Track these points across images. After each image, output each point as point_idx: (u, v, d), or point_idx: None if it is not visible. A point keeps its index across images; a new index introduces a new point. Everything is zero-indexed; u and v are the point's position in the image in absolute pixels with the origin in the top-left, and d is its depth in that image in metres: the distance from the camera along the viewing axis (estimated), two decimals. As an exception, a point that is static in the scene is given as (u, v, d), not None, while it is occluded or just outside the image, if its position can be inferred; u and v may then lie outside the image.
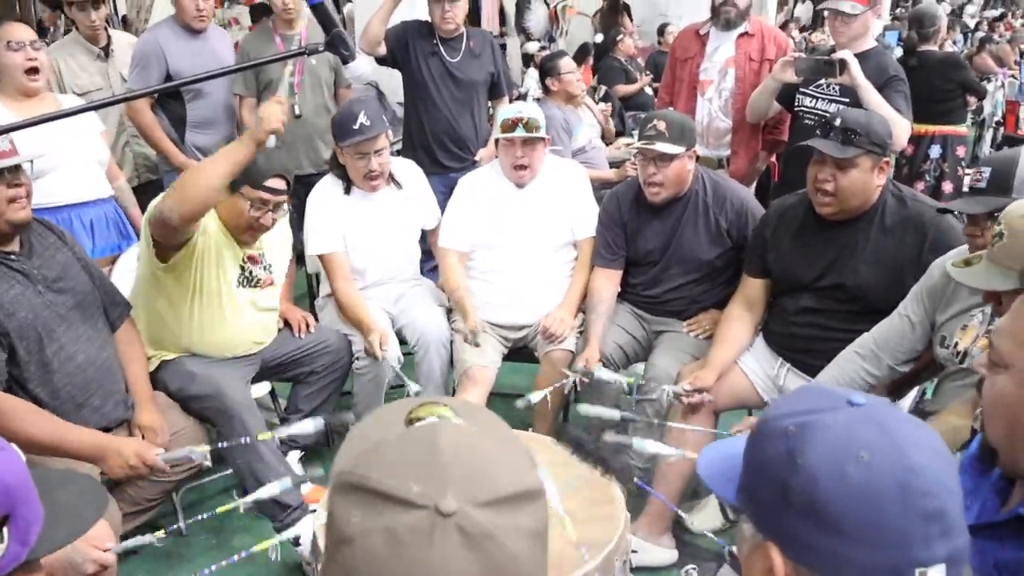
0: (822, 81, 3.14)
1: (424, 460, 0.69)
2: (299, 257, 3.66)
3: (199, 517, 1.89)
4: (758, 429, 0.87)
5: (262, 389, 2.88)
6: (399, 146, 3.79)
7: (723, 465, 0.92)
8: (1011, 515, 1.11)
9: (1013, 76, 7.82)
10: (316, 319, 3.00)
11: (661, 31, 7.78)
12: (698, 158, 2.84)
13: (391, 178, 2.98)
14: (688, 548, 2.57)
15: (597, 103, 5.58)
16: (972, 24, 13.02)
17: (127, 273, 2.78)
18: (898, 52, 5.54)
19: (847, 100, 3.05)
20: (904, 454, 0.78)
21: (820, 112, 3.13)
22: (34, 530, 1.05)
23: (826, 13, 3.28)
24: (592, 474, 1.92)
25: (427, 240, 3.15)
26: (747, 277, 2.62)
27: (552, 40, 8.17)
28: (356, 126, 2.78)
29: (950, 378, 2.07)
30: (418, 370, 2.92)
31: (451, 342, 2.91)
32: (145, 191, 3.60)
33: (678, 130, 2.61)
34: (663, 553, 2.51)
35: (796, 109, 3.26)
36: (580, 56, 6.39)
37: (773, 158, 3.63)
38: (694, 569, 2.40)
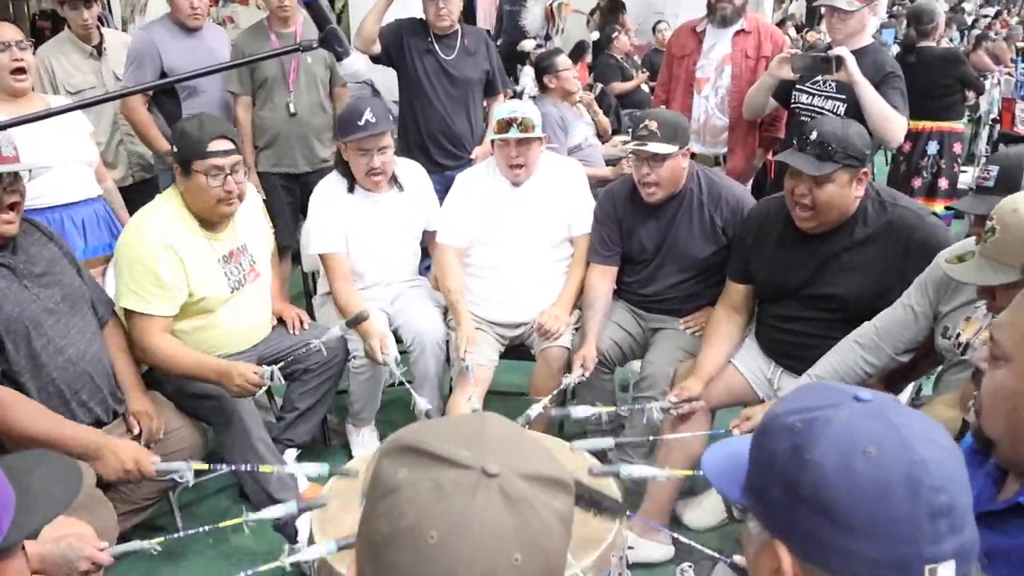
0: (819, 78, 3.13)
1: (474, 434, 0.76)
2: (295, 256, 3.68)
3: (201, 529, 1.87)
4: (764, 426, 0.86)
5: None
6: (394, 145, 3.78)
7: (728, 464, 0.92)
8: (1009, 504, 1.12)
9: (1009, 74, 7.82)
10: (313, 317, 3.00)
11: (655, 28, 7.79)
12: (694, 155, 2.84)
13: (394, 180, 2.97)
14: (684, 544, 2.56)
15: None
16: (970, 21, 13.04)
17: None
18: (894, 49, 5.55)
19: (843, 97, 3.05)
20: (912, 448, 0.77)
21: (817, 109, 3.13)
22: (5, 518, 1.04)
23: (823, 9, 3.27)
24: (588, 470, 1.93)
25: (424, 239, 3.13)
26: (731, 282, 2.61)
27: (548, 38, 8.15)
28: (361, 122, 2.77)
29: (950, 370, 2.07)
30: (414, 369, 2.91)
31: (447, 341, 2.90)
32: (139, 190, 3.60)
33: (671, 129, 2.60)
34: (659, 549, 2.51)
35: (793, 106, 3.26)
36: (576, 54, 6.39)
37: (770, 155, 3.63)
38: (690, 566, 2.40)
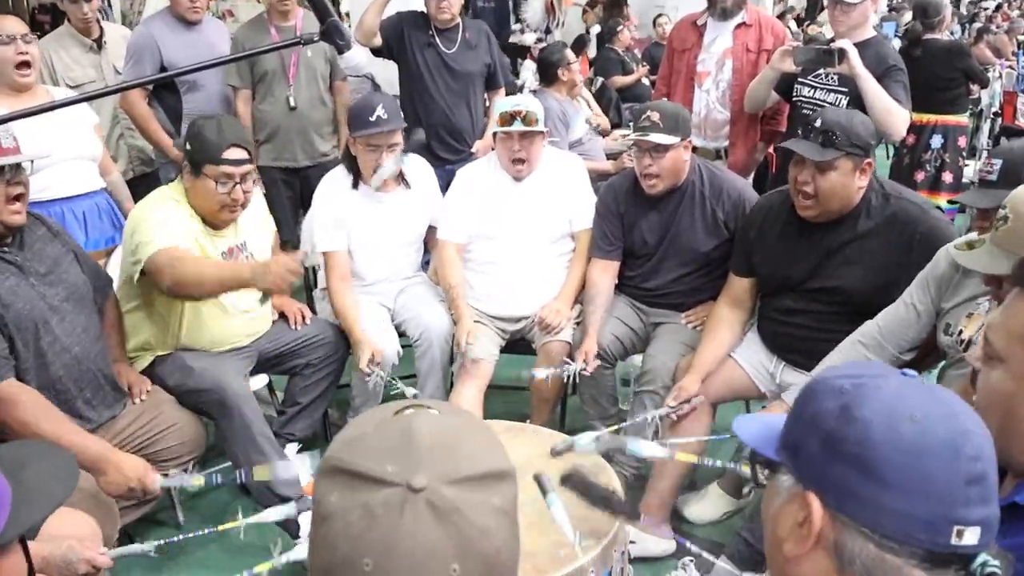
0: (821, 71, 3.12)
1: (400, 444, 0.75)
2: (295, 250, 3.67)
3: (199, 532, 1.87)
4: (810, 387, 0.89)
5: (259, 382, 2.88)
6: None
7: (761, 430, 0.95)
8: (1005, 503, 1.11)
9: (1011, 67, 7.81)
10: (314, 311, 2.99)
11: (655, 22, 7.77)
12: (695, 149, 2.83)
13: (401, 177, 2.95)
14: (685, 539, 2.56)
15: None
16: (967, 13, 13.01)
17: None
18: (895, 43, 5.53)
19: (846, 90, 3.04)
20: (957, 418, 0.81)
21: (819, 102, 3.11)
22: (1, 514, 1.03)
23: (825, 2, 3.26)
24: (592, 466, 1.92)
25: (426, 234, 3.12)
26: (733, 276, 2.61)
27: (548, 32, 8.14)
28: (372, 118, 2.75)
29: (953, 367, 2.06)
30: (419, 364, 2.90)
31: (453, 336, 2.90)
32: (140, 184, 3.59)
33: (672, 120, 2.60)
34: (661, 544, 2.51)
35: (794, 99, 3.25)
36: (577, 47, 6.38)
37: (771, 149, 3.62)
38: (691, 560, 2.40)
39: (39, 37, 3.17)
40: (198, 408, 2.48)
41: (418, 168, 3.04)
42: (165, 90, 3.55)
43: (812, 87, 3.17)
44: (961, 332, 1.97)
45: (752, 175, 3.65)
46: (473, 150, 3.75)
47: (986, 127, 7.09)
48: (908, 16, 8.26)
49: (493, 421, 2.11)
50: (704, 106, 3.50)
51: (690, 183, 2.73)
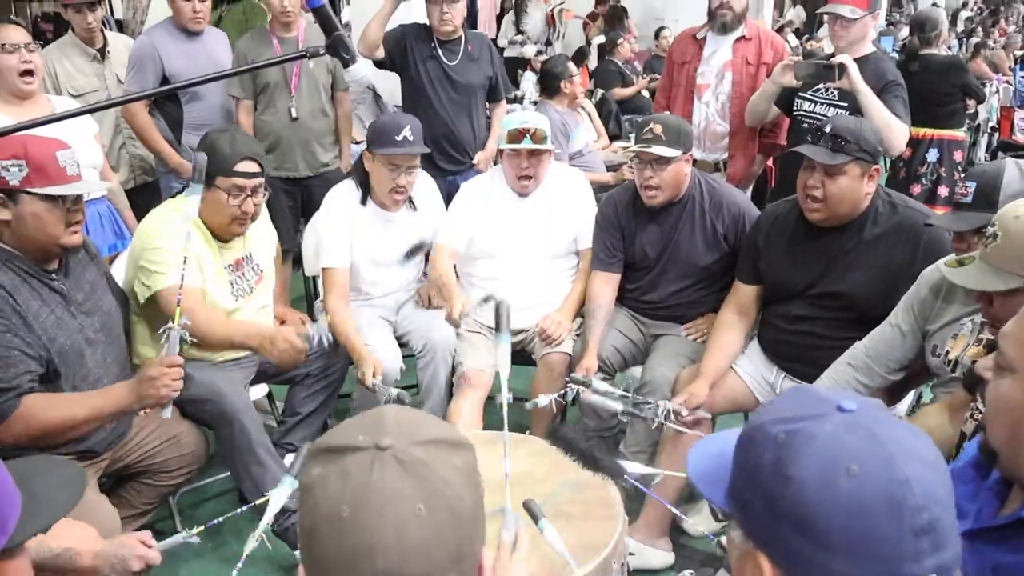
0: (821, 85, 3.14)
1: (369, 422, 0.86)
2: (296, 259, 3.68)
3: (215, 521, 1.86)
4: (749, 435, 0.86)
5: (259, 391, 2.88)
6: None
7: (712, 464, 0.91)
8: (1012, 518, 1.11)
9: (1007, 82, 7.85)
10: (314, 321, 2.99)
11: (657, 35, 7.82)
12: (694, 162, 2.84)
13: (409, 199, 2.93)
14: (685, 551, 2.57)
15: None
16: (962, 27, 13.08)
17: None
18: (894, 57, 5.56)
19: (845, 105, 3.06)
20: (895, 465, 0.76)
21: (819, 116, 3.13)
22: (12, 518, 1.05)
23: (826, 17, 3.29)
24: (590, 477, 1.92)
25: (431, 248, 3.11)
26: (739, 283, 2.62)
27: (548, 44, 8.18)
28: (399, 138, 2.73)
29: (943, 387, 2.07)
30: (422, 376, 2.90)
31: (456, 348, 2.90)
32: (141, 193, 3.61)
33: (675, 133, 2.62)
34: (660, 556, 2.51)
35: (795, 113, 3.27)
36: (577, 59, 6.42)
37: (770, 162, 3.64)
38: (691, 573, 2.40)
39: (42, 46, 3.19)
40: (198, 418, 2.47)
41: (424, 185, 3.02)
42: (166, 100, 3.56)
43: (812, 101, 3.19)
44: (948, 353, 1.98)
45: (751, 187, 3.67)
46: (475, 161, 3.76)
47: (984, 142, 7.13)
48: (906, 31, 8.31)
49: (492, 432, 2.12)
50: (703, 118, 3.52)
51: (690, 197, 2.74)
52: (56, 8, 5.21)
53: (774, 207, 2.61)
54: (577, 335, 2.85)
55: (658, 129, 2.61)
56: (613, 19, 7.67)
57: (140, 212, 3.24)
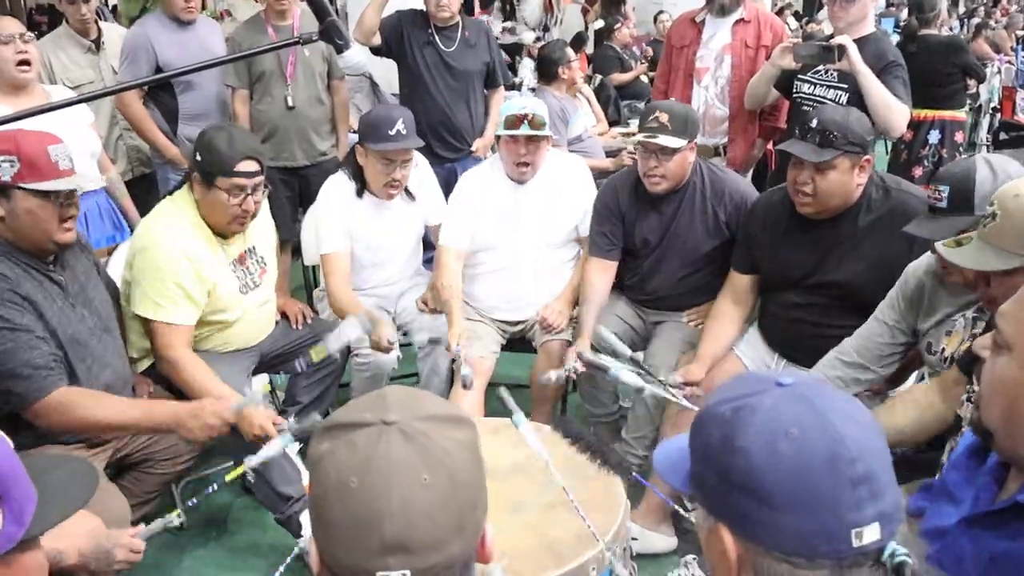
0: (821, 67, 3.12)
1: (375, 401, 0.91)
2: (295, 249, 3.67)
3: (192, 501, 1.84)
4: (699, 418, 0.92)
5: (260, 381, 2.87)
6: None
7: (674, 457, 0.97)
8: (1008, 503, 1.11)
9: (1009, 62, 7.80)
10: (314, 311, 2.99)
11: (656, 19, 7.78)
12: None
13: (405, 189, 2.91)
14: (687, 536, 2.57)
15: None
16: (963, 8, 13.01)
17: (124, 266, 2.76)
18: (895, 38, 5.53)
19: (845, 86, 3.04)
20: (830, 425, 0.83)
21: (819, 98, 3.11)
22: (28, 511, 1.08)
23: (825, -2, 3.26)
24: (592, 463, 1.92)
25: (428, 232, 3.10)
26: (735, 272, 2.60)
27: (547, 29, 8.14)
28: (392, 132, 2.70)
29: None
30: (421, 366, 2.90)
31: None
32: (139, 184, 3.60)
33: (681, 122, 2.56)
34: (663, 541, 2.51)
35: (794, 95, 3.24)
36: (576, 45, 6.39)
37: (770, 145, 3.62)
38: (694, 558, 2.40)
39: (37, 37, 3.18)
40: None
41: (420, 173, 2.99)
42: (161, 90, 3.54)
43: (812, 83, 3.17)
44: (943, 350, 1.97)
45: (751, 171, 3.65)
46: (473, 148, 3.74)
47: (985, 122, 7.10)
48: (906, 12, 8.26)
49: (494, 419, 2.12)
50: (703, 102, 3.50)
51: (692, 184, 2.70)
52: (50, 0, 5.21)
53: (768, 196, 2.59)
54: (577, 322, 2.84)
55: (664, 118, 2.55)
56: (610, 4, 7.63)
57: (138, 204, 3.24)
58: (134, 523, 2.23)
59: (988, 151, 6.67)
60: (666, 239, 2.74)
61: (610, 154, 4.58)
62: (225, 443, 2.44)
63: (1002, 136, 6.48)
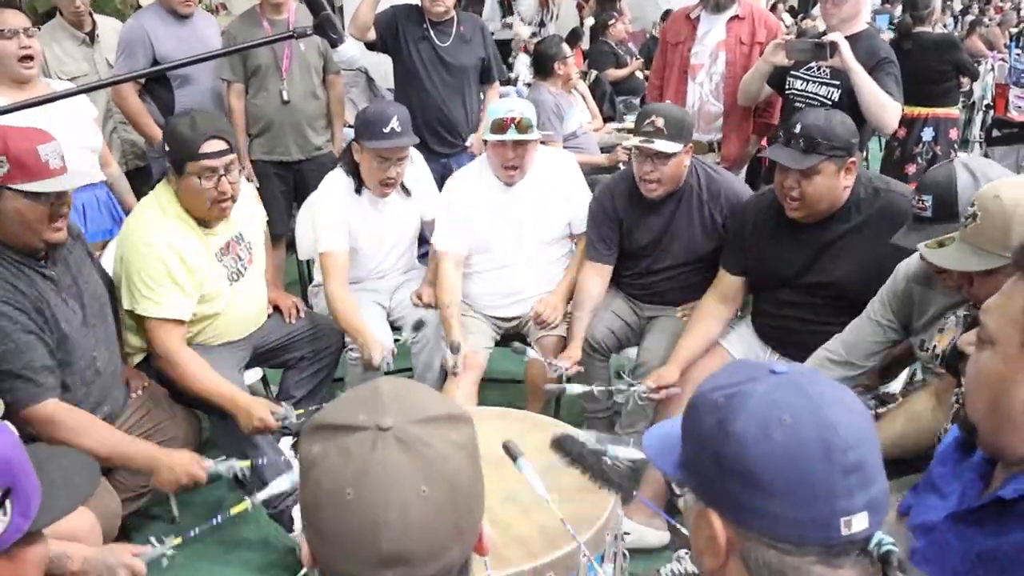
0: (813, 64, 3.13)
1: (367, 398, 0.87)
2: (289, 244, 3.67)
3: (191, 533, 1.85)
4: (692, 403, 0.93)
5: (254, 375, 2.88)
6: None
7: (666, 443, 0.97)
8: (990, 499, 1.12)
9: (1003, 59, 7.82)
10: (309, 305, 2.99)
11: (664, 17, 7.77)
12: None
13: (401, 185, 2.91)
14: (681, 531, 2.58)
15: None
16: (959, 5, 13.04)
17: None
18: (889, 35, 5.54)
19: (838, 83, 3.05)
20: (823, 413, 0.84)
21: (811, 95, 3.12)
22: (34, 503, 1.09)
23: (818, -5, 3.26)
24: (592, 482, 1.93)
25: (424, 228, 3.09)
26: (724, 272, 2.60)
27: (542, 25, 8.14)
28: (386, 129, 2.68)
29: (934, 374, 2.08)
30: (416, 360, 2.91)
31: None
32: (134, 178, 3.58)
33: (677, 127, 2.55)
34: (656, 535, 2.53)
35: (787, 92, 3.25)
36: (571, 40, 6.39)
37: (764, 141, 3.63)
38: (686, 552, 2.41)
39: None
40: (191, 402, 2.48)
41: (415, 168, 2.99)
42: (157, 84, 3.53)
43: (805, 80, 3.17)
44: (935, 347, 1.98)
45: (745, 168, 3.66)
46: (467, 144, 3.74)
47: (979, 119, 7.12)
48: (900, 9, 8.27)
49: (491, 408, 2.12)
50: (698, 98, 3.50)
51: (688, 186, 2.69)
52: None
53: (757, 198, 2.60)
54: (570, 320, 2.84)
55: (660, 122, 2.53)
56: (604, 0, 7.63)
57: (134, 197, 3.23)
58: (126, 517, 2.25)
59: (981, 148, 6.70)
60: (663, 241, 2.74)
61: (605, 150, 4.59)
62: (221, 438, 2.47)
63: (995, 133, 6.49)
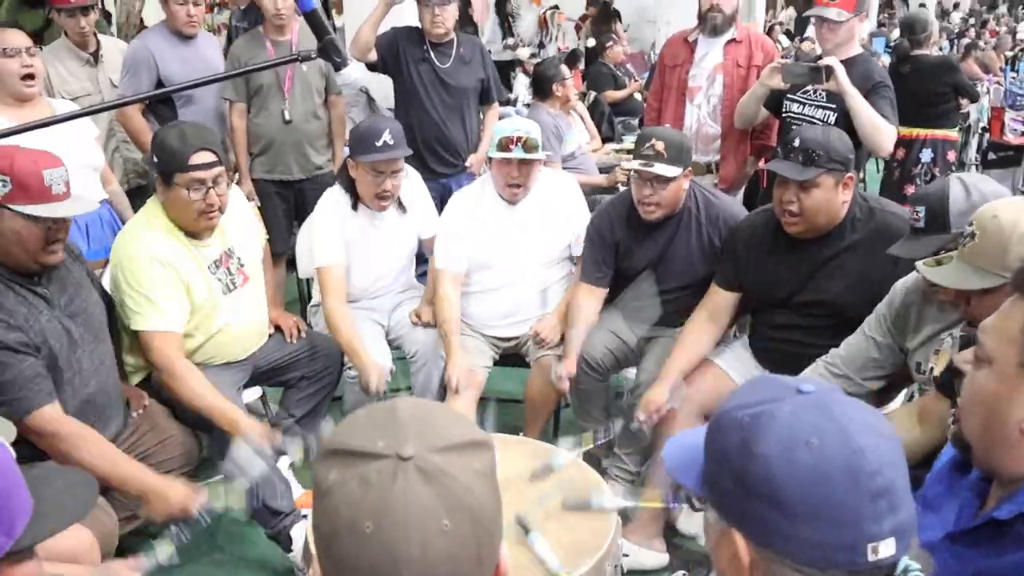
0: (809, 87, 3.16)
1: (386, 422, 0.83)
2: (290, 262, 3.68)
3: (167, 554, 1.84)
4: (716, 421, 0.91)
5: (253, 394, 2.88)
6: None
7: (686, 456, 0.96)
8: (985, 519, 1.13)
9: (999, 83, 7.88)
10: (308, 324, 3.00)
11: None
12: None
13: (397, 200, 2.91)
14: (679, 552, 2.58)
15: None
16: (956, 29, 13.15)
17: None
18: (885, 59, 5.59)
19: (834, 106, 3.08)
20: (850, 437, 0.82)
21: (807, 118, 3.15)
22: (19, 521, 1.07)
23: (813, 20, 3.31)
24: (583, 480, 1.94)
25: (422, 246, 3.10)
26: (716, 288, 2.61)
27: (542, 46, 8.21)
28: (379, 143, 2.69)
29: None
30: (414, 380, 2.91)
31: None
32: (135, 196, 3.60)
33: (676, 150, 2.55)
34: (655, 557, 2.52)
35: (784, 115, 3.28)
36: (570, 62, 6.44)
37: (762, 163, 3.66)
38: (684, 574, 2.41)
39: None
40: (190, 421, 2.48)
41: (410, 182, 3.01)
42: (161, 103, 3.56)
43: (801, 103, 3.21)
44: (932, 369, 1.99)
45: (743, 189, 3.69)
46: (467, 164, 3.77)
47: (974, 142, 7.16)
48: (897, 32, 8.35)
49: (492, 435, 2.12)
50: (695, 120, 3.54)
51: (686, 209, 2.70)
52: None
53: (751, 217, 2.61)
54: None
55: (660, 146, 2.54)
56: (600, 22, 7.69)
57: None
58: (124, 536, 2.24)
59: (977, 171, 6.73)
60: (661, 265, 2.73)
61: (603, 170, 4.62)
62: (219, 457, 2.46)
63: (991, 156, 6.53)
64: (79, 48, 3.53)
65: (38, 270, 2.05)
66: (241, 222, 2.63)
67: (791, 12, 13.09)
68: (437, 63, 3.66)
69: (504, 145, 2.73)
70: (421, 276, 3.25)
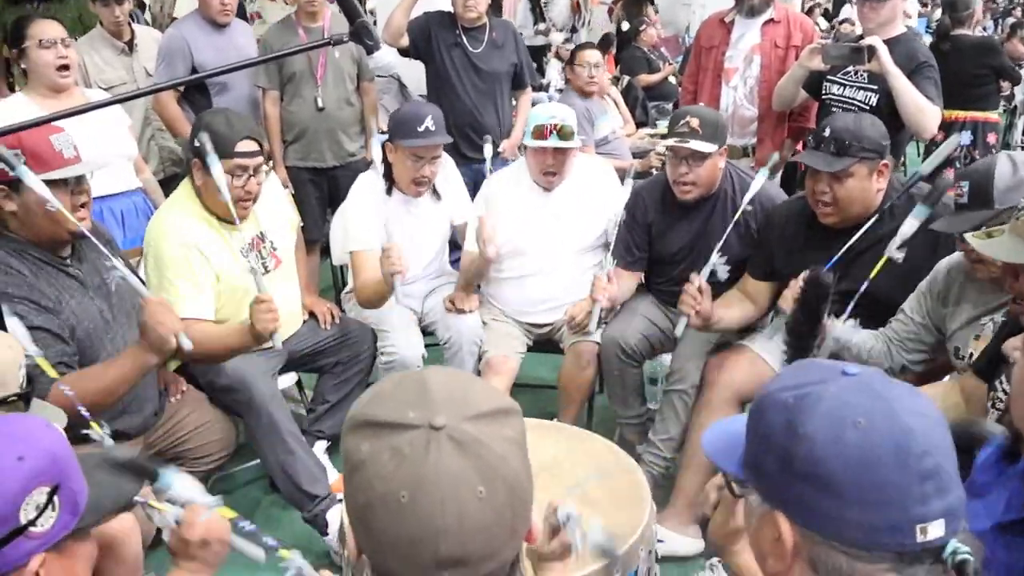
0: (850, 68, 3.09)
1: (416, 393, 0.83)
2: (323, 249, 3.70)
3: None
4: (759, 403, 0.90)
5: (288, 380, 2.90)
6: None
7: (726, 441, 0.96)
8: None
9: (1045, 62, 7.66)
10: (342, 311, 3.01)
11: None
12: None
13: (432, 187, 2.91)
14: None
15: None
16: (1001, 8, 12.81)
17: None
18: (927, 39, 5.45)
19: (875, 87, 3.01)
20: (898, 418, 0.81)
21: (848, 100, 3.08)
22: (81, 501, 1.10)
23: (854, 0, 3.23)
24: (617, 464, 1.92)
25: (455, 232, 3.09)
26: (749, 278, 2.58)
27: (575, 31, 8.13)
28: (421, 128, 2.69)
29: None
30: (448, 366, 2.91)
31: (481, 337, 2.89)
32: (171, 184, 3.62)
33: (712, 128, 2.53)
34: (689, 543, 2.50)
35: (823, 97, 3.21)
36: (603, 46, 6.37)
37: (799, 146, 3.59)
38: (719, 560, 2.39)
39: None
40: (227, 406, 2.51)
41: (445, 172, 2.99)
42: (196, 91, 3.59)
43: (842, 85, 3.14)
44: (971, 354, 1.95)
45: (780, 173, 3.62)
46: (500, 149, 3.75)
47: (1020, 124, 6.97)
48: (939, 12, 8.14)
49: (528, 420, 2.12)
50: (732, 103, 3.48)
51: (723, 191, 2.66)
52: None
53: (786, 206, 2.57)
54: (606, 323, 2.82)
55: (695, 123, 2.51)
56: (632, 6, 7.59)
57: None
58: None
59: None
60: (697, 248, 2.69)
61: (637, 155, 4.57)
62: (255, 442, 2.49)
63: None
64: (114, 37, 3.57)
65: (70, 240, 2.06)
66: (274, 207, 2.64)
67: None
68: (469, 48, 3.64)
69: (539, 133, 2.71)
70: (455, 263, 3.24)
